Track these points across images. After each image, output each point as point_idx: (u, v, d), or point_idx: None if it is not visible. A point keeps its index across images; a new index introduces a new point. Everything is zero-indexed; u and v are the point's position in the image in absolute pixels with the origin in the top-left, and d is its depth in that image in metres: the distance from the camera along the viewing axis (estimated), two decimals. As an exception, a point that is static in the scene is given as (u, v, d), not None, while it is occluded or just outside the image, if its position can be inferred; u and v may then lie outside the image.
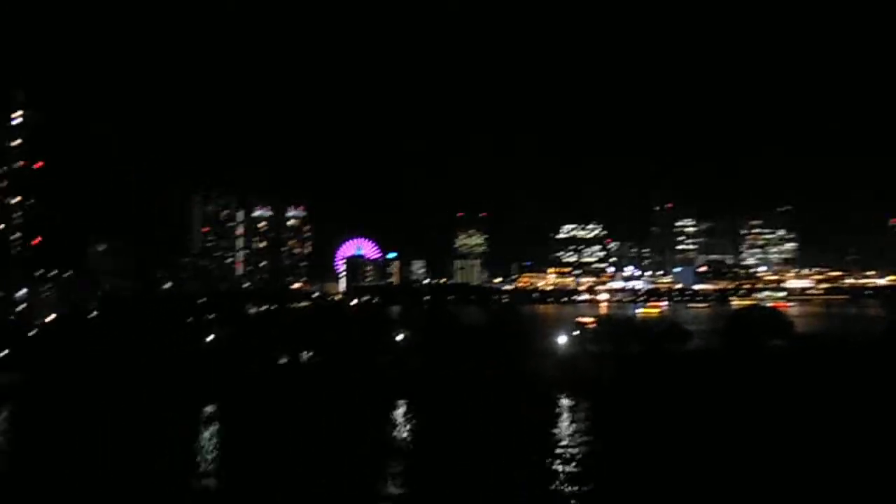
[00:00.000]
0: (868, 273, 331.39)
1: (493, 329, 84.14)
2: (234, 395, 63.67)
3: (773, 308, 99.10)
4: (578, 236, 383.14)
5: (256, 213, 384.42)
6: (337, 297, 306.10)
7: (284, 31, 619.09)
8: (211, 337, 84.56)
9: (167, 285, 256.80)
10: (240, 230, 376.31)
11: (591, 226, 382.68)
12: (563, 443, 47.46)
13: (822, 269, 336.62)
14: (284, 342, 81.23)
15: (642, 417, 52.45)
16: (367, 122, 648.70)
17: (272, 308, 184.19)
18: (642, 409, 54.54)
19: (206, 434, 52.03)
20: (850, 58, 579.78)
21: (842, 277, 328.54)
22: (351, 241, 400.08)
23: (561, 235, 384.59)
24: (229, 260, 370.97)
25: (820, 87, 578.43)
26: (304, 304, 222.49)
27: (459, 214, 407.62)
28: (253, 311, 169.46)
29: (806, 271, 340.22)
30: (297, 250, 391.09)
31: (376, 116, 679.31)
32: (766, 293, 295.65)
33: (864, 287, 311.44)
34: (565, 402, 60.25)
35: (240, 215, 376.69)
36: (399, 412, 58.35)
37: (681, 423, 49.93)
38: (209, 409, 59.64)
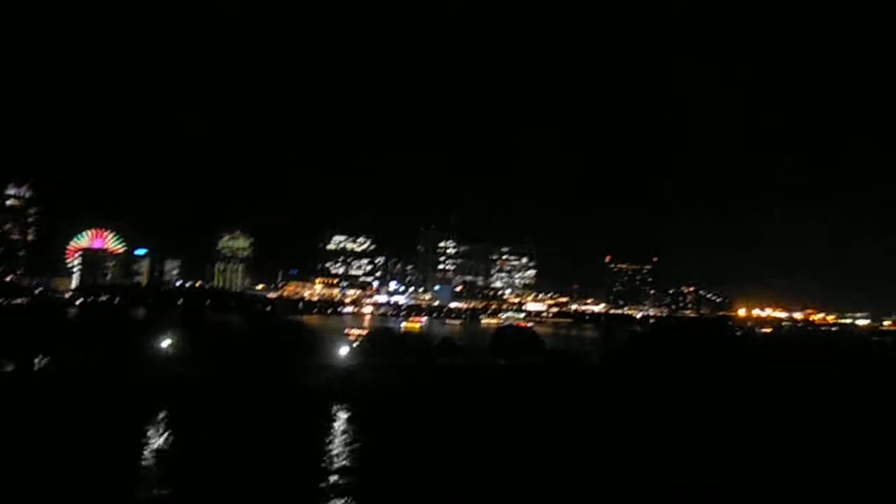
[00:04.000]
0: (588, 301, 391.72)
1: (265, 338, 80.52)
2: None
3: (529, 327, 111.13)
4: (348, 248, 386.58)
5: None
6: (67, 295, 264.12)
7: None
8: None
9: None
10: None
11: (361, 239, 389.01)
12: (342, 457, 47.23)
13: (554, 296, 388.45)
14: (7, 344, 67.55)
15: (421, 425, 54.75)
16: (129, 96, 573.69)
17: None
18: (422, 418, 56.94)
19: None
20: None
21: (568, 303, 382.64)
22: (89, 231, 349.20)
23: (331, 246, 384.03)
24: None
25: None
26: (20, 300, 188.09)
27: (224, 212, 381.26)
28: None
29: (542, 296, 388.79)
30: (15, 236, 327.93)
31: (143, 90, 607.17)
32: (510, 313, 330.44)
33: (584, 313, 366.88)
34: (343, 413, 60.08)
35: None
36: (156, 426, 52.34)
37: (458, 431, 53.13)
38: None
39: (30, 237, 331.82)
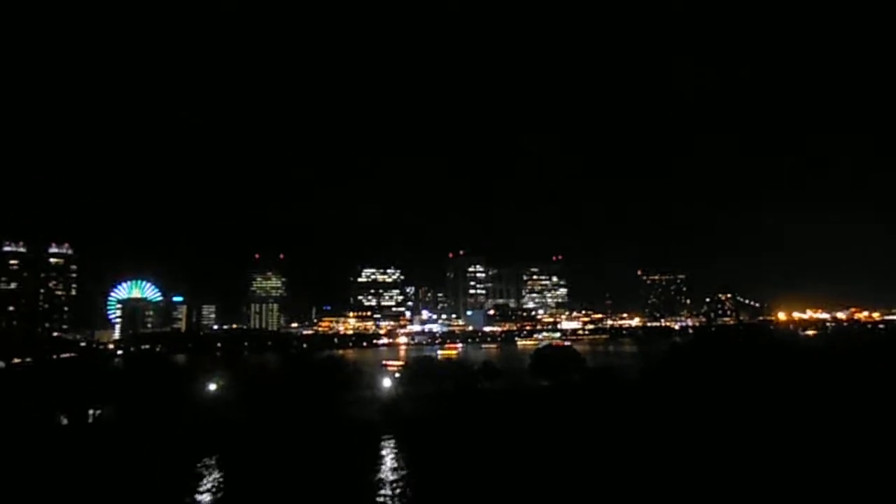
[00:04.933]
0: (623, 315, 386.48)
1: (306, 375, 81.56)
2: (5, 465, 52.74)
3: (569, 347, 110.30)
4: (378, 280, 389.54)
5: (6, 250, 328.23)
6: (111, 346, 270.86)
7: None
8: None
9: None
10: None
11: (390, 270, 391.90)
12: (395, 485, 47.55)
13: (588, 312, 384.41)
14: (60, 399, 69.80)
15: (468, 453, 54.81)
16: (151, 153, 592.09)
17: (28, 360, 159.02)
18: (468, 445, 57.00)
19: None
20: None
21: (603, 319, 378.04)
22: (127, 283, 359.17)
23: (361, 279, 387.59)
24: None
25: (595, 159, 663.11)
26: (68, 355, 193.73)
27: (256, 256, 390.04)
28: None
29: (575, 314, 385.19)
30: (59, 293, 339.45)
31: (162, 146, 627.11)
32: (545, 333, 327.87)
33: (620, 328, 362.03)
34: (391, 447, 60.36)
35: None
36: (213, 470, 53.41)
37: (506, 457, 53.08)
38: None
39: (72, 293, 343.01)
